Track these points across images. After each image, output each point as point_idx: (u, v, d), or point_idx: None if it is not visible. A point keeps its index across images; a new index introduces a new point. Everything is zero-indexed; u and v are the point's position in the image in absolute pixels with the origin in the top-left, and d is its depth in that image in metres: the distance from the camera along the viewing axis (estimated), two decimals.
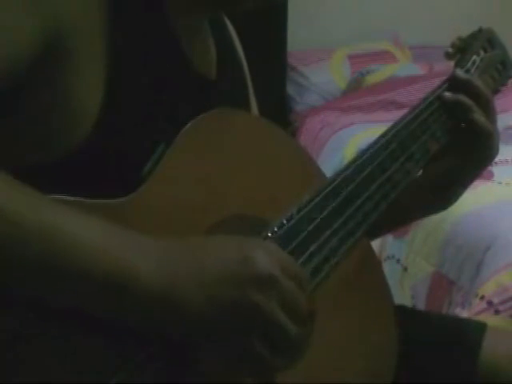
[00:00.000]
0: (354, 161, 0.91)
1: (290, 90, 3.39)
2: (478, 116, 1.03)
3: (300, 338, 0.75)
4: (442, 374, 1.07)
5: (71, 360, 0.70)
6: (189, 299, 0.70)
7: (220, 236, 0.77)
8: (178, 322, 0.71)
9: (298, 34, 3.32)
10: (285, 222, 0.81)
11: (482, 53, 1.14)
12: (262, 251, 0.74)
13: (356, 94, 3.28)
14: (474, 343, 1.07)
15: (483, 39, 1.16)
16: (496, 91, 1.15)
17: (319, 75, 3.37)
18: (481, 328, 1.10)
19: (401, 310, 0.98)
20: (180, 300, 0.70)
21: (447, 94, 1.04)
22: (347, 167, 0.90)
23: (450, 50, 1.15)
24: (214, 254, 0.73)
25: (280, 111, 3.25)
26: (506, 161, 2.46)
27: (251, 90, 1.09)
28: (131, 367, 0.71)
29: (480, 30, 1.18)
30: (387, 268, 2.27)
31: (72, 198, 0.73)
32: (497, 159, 2.54)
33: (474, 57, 1.13)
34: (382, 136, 0.96)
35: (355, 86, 3.36)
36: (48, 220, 0.69)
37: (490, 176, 2.34)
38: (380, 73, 3.36)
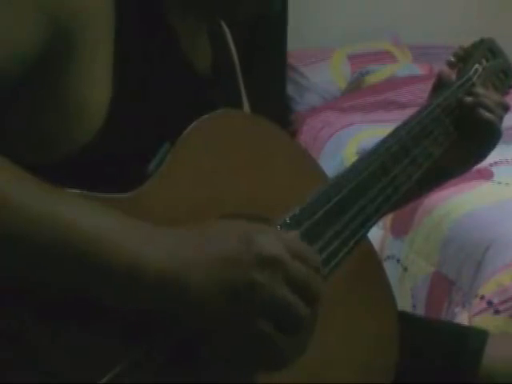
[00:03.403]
0: (356, 163, 0.92)
1: (290, 90, 3.39)
2: (485, 112, 1.07)
3: (309, 318, 0.75)
4: (443, 381, 1.07)
5: (71, 355, 0.71)
6: (197, 284, 0.71)
7: (226, 221, 0.77)
8: (187, 307, 0.72)
9: (298, 33, 3.32)
10: (288, 220, 0.82)
11: (483, 62, 1.17)
12: (267, 234, 0.75)
13: (356, 94, 3.28)
14: (476, 351, 1.07)
15: (485, 49, 1.19)
16: None
17: (319, 75, 3.37)
18: (483, 336, 1.10)
19: (402, 316, 0.98)
20: (188, 285, 0.71)
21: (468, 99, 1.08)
22: (350, 169, 0.91)
23: (452, 59, 1.17)
24: (219, 238, 0.74)
25: (280, 111, 3.25)
26: (506, 161, 2.45)
27: (243, 89, 1.10)
28: (131, 362, 0.72)
29: (482, 40, 1.21)
30: (387, 268, 2.27)
31: (78, 191, 0.74)
32: (497, 159, 2.56)
33: (476, 66, 1.14)
34: (386, 139, 0.97)
35: (355, 86, 3.36)
36: (61, 210, 0.70)
37: (490, 176, 2.34)
38: (380, 73, 3.36)
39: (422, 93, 3.12)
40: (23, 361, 0.69)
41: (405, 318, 1.01)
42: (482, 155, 1.14)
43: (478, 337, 1.10)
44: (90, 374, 0.71)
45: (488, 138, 1.11)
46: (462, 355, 1.08)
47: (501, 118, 1.11)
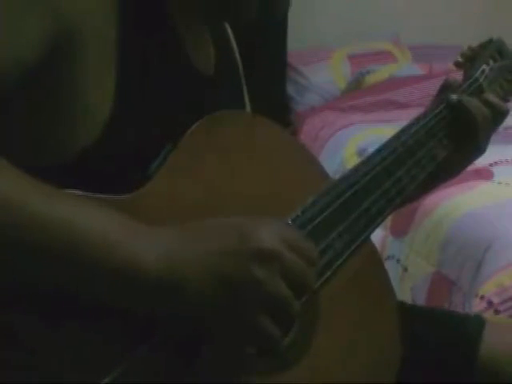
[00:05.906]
0: (361, 164, 0.92)
1: (290, 90, 3.39)
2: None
3: (300, 311, 0.75)
4: (441, 368, 1.08)
5: (71, 355, 0.71)
6: (195, 281, 0.71)
7: (222, 218, 0.77)
8: (186, 303, 0.72)
9: (298, 33, 3.33)
10: (289, 222, 0.82)
11: (491, 62, 1.16)
12: (264, 227, 0.75)
13: (356, 94, 3.29)
14: (474, 338, 1.08)
15: (493, 49, 1.18)
16: (506, 100, 1.16)
17: (319, 75, 3.37)
18: (480, 323, 1.11)
19: (400, 305, 0.99)
20: (186, 283, 0.71)
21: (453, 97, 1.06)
22: (354, 171, 0.90)
23: (460, 59, 1.16)
24: (216, 233, 0.74)
25: (280, 111, 3.25)
26: (506, 161, 2.45)
27: (245, 89, 1.10)
28: (131, 360, 0.72)
29: (490, 41, 1.20)
30: (387, 268, 2.27)
31: (80, 192, 0.74)
32: (497, 159, 2.56)
33: (484, 66, 1.14)
34: (390, 141, 0.96)
35: (355, 86, 3.36)
36: (59, 211, 0.70)
37: (490, 176, 2.34)
38: (380, 73, 3.36)
39: (421, 93, 3.12)
40: (22, 361, 0.69)
41: (402, 307, 1.02)
42: (472, 161, 1.13)
43: (476, 324, 1.11)
44: (91, 374, 0.71)
45: (484, 143, 1.10)
46: (459, 342, 1.08)
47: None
